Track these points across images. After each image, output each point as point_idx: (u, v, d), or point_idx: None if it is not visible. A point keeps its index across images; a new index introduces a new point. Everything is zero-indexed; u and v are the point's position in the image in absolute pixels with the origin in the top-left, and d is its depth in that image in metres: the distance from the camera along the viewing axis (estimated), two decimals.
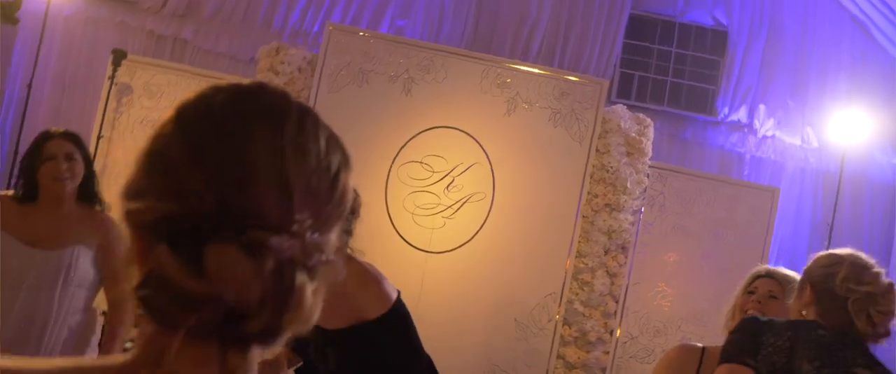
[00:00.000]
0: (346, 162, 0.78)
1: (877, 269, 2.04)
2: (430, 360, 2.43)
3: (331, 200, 0.75)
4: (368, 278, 2.30)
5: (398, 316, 2.32)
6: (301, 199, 0.71)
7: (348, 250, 2.28)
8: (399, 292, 2.38)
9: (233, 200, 0.69)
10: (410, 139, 5.27)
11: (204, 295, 0.65)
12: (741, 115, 6.61)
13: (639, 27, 6.69)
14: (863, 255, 2.08)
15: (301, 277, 0.69)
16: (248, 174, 0.70)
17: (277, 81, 5.14)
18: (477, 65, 5.34)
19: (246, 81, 0.80)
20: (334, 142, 0.78)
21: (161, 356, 0.68)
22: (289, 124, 0.75)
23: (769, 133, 6.59)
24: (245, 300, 0.66)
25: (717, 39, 6.75)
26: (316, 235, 0.71)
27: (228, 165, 0.70)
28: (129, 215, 0.72)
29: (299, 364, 2.46)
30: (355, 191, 2.34)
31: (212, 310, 0.66)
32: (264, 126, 0.74)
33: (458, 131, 5.29)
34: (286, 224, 0.69)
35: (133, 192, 0.72)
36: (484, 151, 5.29)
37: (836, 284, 2.01)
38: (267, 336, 0.69)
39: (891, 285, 2.03)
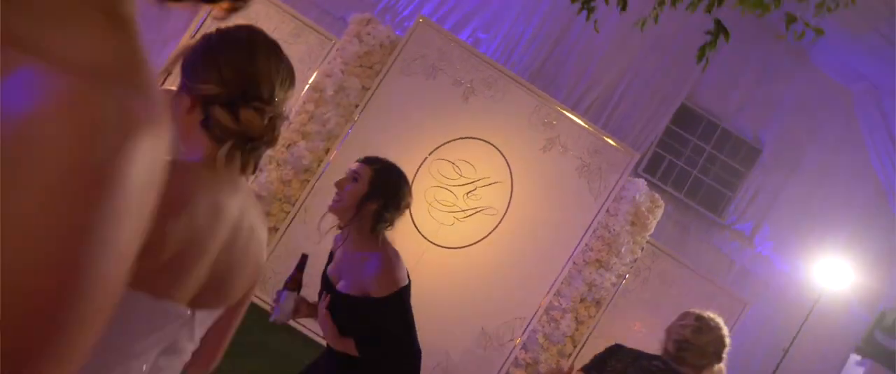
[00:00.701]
0: (291, 76, 1.48)
1: (715, 334, 2.87)
2: (419, 350, 2.88)
3: (287, 92, 1.48)
4: (385, 265, 2.75)
5: (398, 301, 2.78)
6: (277, 89, 1.43)
7: (384, 234, 2.78)
8: (409, 281, 2.85)
9: (251, 88, 1.39)
10: (452, 141, 5.77)
11: (237, 130, 1.38)
12: (745, 227, 7.09)
13: (685, 116, 7.18)
14: (715, 319, 2.89)
15: (279, 124, 1.44)
16: (257, 75, 1.41)
17: (359, 49, 5.66)
18: (533, 98, 5.84)
19: (248, 24, 1.50)
20: (287, 64, 1.48)
21: (214, 159, 1.37)
22: (275, 51, 1.45)
23: (764, 252, 7.07)
24: (257, 134, 1.39)
25: (749, 154, 7.23)
26: (282, 107, 1.45)
27: (249, 71, 1.40)
28: (199, 90, 1.38)
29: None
30: (409, 191, 2.82)
31: (240, 137, 1.38)
32: (265, 51, 1.44)
33: (495, 149, 5.80)
34: (271, 100, 1.42)
35: (200, 79, 1.39)
36: (511, 174, 5.79)
37: (682, 332, 2.77)
38: (264, 147, 1.44)
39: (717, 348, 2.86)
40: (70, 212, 0.47)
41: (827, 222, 7.08)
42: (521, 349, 5.74)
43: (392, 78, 5.71)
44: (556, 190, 5.81)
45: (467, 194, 5.80)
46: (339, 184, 2.79)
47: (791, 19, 2.99)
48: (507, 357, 5.72)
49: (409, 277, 2.86)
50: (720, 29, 2.92)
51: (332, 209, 2.77)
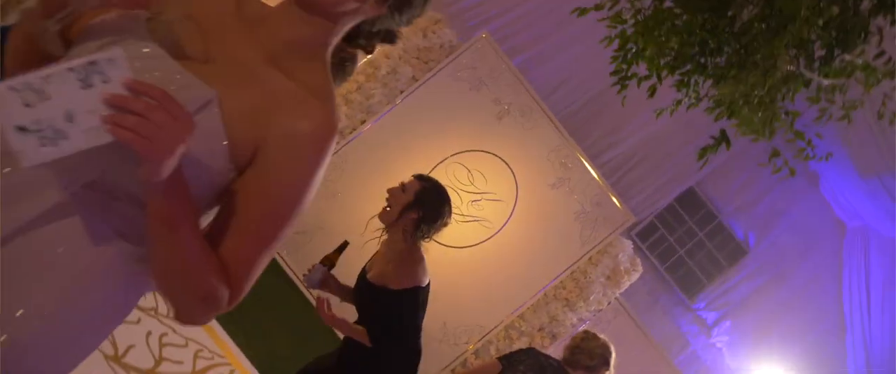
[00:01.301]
0: None
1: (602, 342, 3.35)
2: (420, 350, 3.31)
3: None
4: (408, 264, 3.16)
5: (412, 297, 3.20)
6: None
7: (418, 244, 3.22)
8: (428, 283, 3.27)
9: None
10: (475, 151, 6.23)
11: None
12: (709, 316, 7.53)
13: (689, 199, 7.62)
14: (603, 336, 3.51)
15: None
16: None
17: (421, 43, 6.14)
18: (558, 137, 6.30)
19: None
20: None
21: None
22: None
23: (718, 345, 7.51)
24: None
25: (735, 252, 7.66)
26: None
27: None
28: None
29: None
30: (449, 212, 3.25)
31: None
32: None
33: (510, 171, 6.25)
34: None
35: None
36: (516, 198, 6.25)
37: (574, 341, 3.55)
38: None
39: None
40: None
41: (784, 338, 7.49)
42: (472, 354, 6.19)
43: (441, 78, 6.18)
44: (551, 226, 6.26)
45: (472, 201, 6.26)
46: (390, 191, 3.18)
47: (775, 154, 3.43)
48: (457, 357, 6.17)
49: (428, 282, 3.26)
50: (724, 137, 3.36)
51: (380, 215, 3.17)
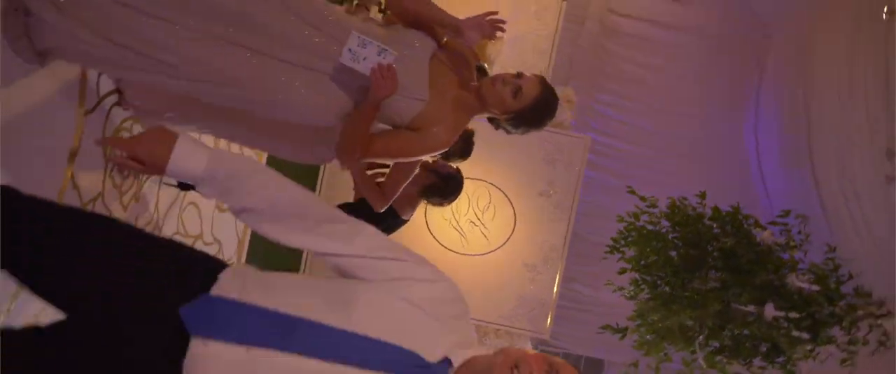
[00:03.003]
0: None
1: None
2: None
3: None
4: (405, 199, 4.08)
5: (393, 218, 4.15)
6: None
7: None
8: (405, 220, 4.27)
9: None
10: (505, 193, 7.31)
11: None
12: None
13: (595, 368, 8.67)
14: None
15: None
16: None
17: None
18: (560, 241, 7.38)
19: None
20: None
21: None
22: None
23: None
24: None
25: None
26: None
27: None
28: None
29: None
30: (450, 201, 4.30)
31: None
32: None
33: (513, 226, 7.33)
34: None
35: None
36: (503, 244, 7.29)
37: None
38: None
39: None
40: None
41: None
42: None
43: (534, 134, 7.26)
44: (515, 291, 7.32)
45: (471, 220, 7.35)
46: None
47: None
48: None
49: (407, 220, 4.23)
50: (623, 332, 4.43)
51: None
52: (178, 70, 2.22)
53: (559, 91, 7.15)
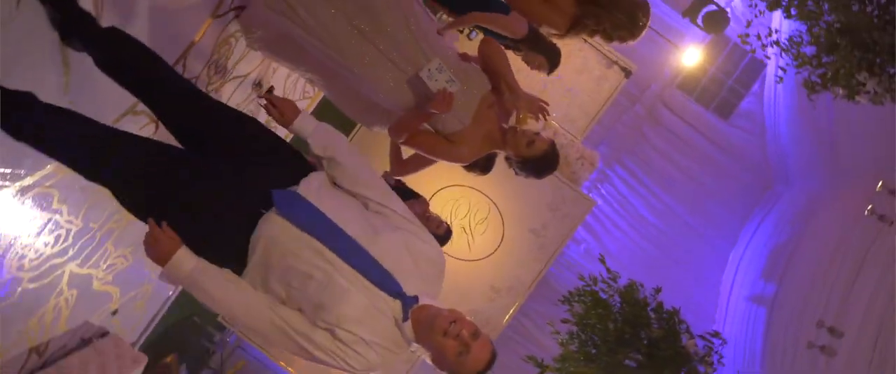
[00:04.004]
0: None
1: None
2: None
3: None
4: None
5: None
6: None
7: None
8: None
9: None
10: (499, 201, 7.98)
11: None
12: None
13: None
14: None
15: None
16: None
17: (569, 154, 7.90)
18: (530, 280, 8.05)
19: None
20: None
21: None
22: None
23: None
24: None
25: None
26: None
27: None
28: None
29: None
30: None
31: None
32: None
33: (502, 233, 8.00)
34: None
35: None
36: (487, 255, 7.95)
37: None
38: None
39: None
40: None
41: None
42: None
43: (547, 180, 7.94)
44: (471, 303, 7.98)
45: (462, 226, 8.02)
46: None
47: None
48: None
49: None
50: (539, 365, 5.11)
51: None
52: (309, 26, 2.94)
53: (587, 151, 7.85)
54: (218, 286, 2.16)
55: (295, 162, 2.37)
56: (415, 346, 2.26)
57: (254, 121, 2.47)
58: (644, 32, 3.36)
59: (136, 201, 2.27)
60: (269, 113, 2.40)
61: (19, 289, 3.10)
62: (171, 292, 5.53)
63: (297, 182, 2.27)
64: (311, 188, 2.27)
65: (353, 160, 2.39)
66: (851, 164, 7.46)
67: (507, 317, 8.05)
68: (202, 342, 8.06)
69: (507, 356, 8.97)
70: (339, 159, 2.37)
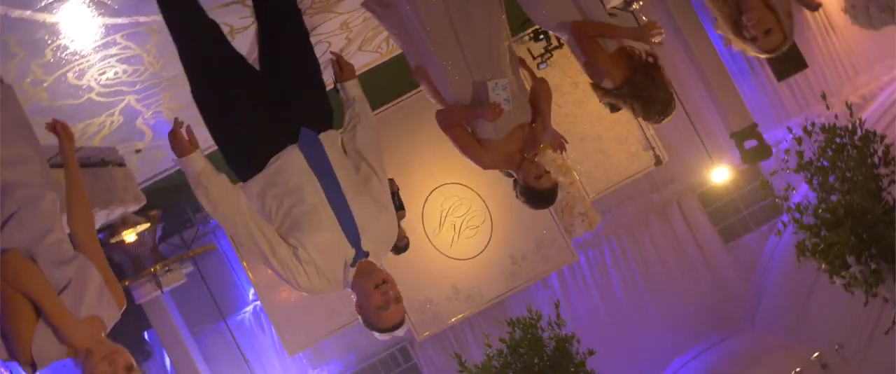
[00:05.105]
0: None
1: None
2: None
3: None
4: None
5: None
6: None
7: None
8: None
9: None
10: (501, 219, 8.43)
11: None
12: None
13: None
14: None
15: None
16: None
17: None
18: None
19: None
20: None
21: None
22: None
23: None
24: None
25: None
26: None
27: None
28: None
29: None
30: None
31: None
32: None
33: (483, 250, 8.46)
34: None
35: None
36: (472, 257, 8.43)
37: None
38: None
39: None
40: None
41: None
42: None
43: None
44: (427, 292, 8.44)
45: (454, 224, 8.47)
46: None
47: None
48: None
49: None
50: None
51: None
52: (418, 8, 3.46)
53: (592, 212, 8.28)
54: (215, 187, 2.67)
55: (326, 116, 2.90)
56: (349, 289, 2.79)
57: (318, 67, 2.98)
58: (658, 119, 3.74)
59: (201, 88, 2.80)
60: (333, 67, 2.93)
61: (87, 97, 3.60)
62: None
63: (320, 131, 2.82)
64: (328, 140, 2.82)
65: (372, 130, 3.03)
66: (812, 329, 7.90)
67: (454, 319, 8.53)
68: (187, 212, 8.56)
69: (437, 352, 9.46)
70: (364, 122, 3.02)
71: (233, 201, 2.69)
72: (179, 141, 2.64)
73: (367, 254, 2.79)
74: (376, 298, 2.68)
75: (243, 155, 2.78)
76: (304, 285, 2.75)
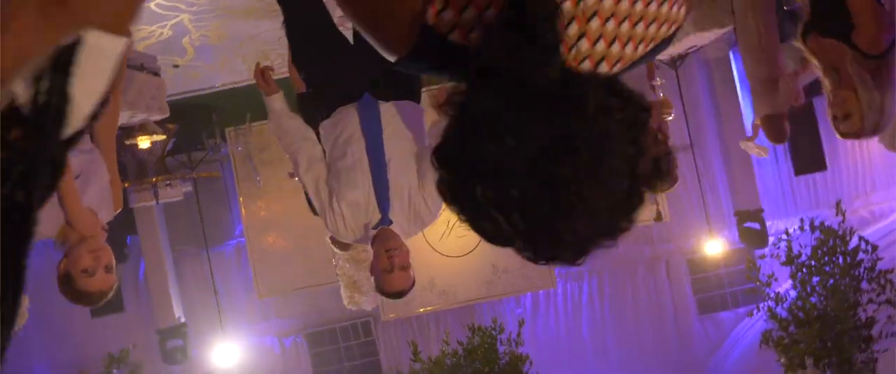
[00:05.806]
0: None
1: None
2: None
3: None
4: None
5: None
6: None
7: None
8: None
9: None
10: None
11: None
12: None
13: None
14: None
15: None
16: None
17: None
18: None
19: None
20: None
21: None
22: None
23: None
24: None
25: None
26: None
27: None
28: None
29: None
30: None
31: None
32: None
33: (468, 253, 8.62)
34: None
35: None
36: (446, 256, 8.60)
37: None
38: None
39: None
40: None
41: None
42: None
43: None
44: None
45: (448, 219, 8.60)
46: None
47: None
48: None
49: None
50: None
51: None
52: None
53: None
54: (288, 120, 3.05)
55: (401, 86, 3.09)
56: (368, 247, 3.05)
57: None
58: (654, 187, 3.87)
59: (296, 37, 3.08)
60: None
61: (148, 5, 3.78)
62: (219, 84, 6.22)
63: (388, 99, 3.06)
64: (386, 111, 3.05)
65: None
66: None
67: (423, 310, 8.70)
68: (202, 135, 8.71)
69: (397, 336, 9.64)
70: None
71: (302, 137, 3.03)
72: (267, 82, 2.99)
73: (390, 222, 3.02)
74: (383, 260, 2.93)
75: (320, 97, 3.09)
76: (330, 227, 3.03)
